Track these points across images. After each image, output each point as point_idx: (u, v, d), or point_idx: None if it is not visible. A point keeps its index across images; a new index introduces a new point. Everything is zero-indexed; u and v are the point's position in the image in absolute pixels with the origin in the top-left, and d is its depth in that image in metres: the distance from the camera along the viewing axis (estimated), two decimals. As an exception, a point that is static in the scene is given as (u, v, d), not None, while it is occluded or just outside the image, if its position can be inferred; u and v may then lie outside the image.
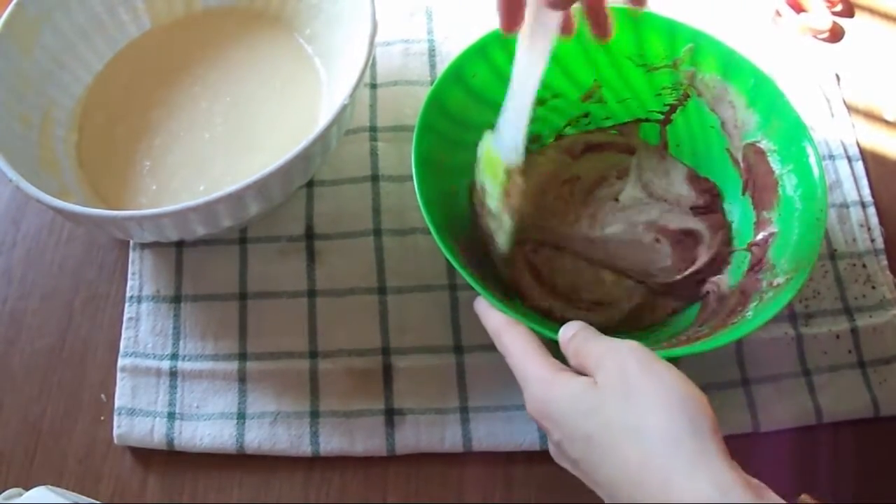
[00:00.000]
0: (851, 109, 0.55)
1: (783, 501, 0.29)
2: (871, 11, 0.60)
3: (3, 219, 0.53)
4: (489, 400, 0.46)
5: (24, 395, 0.47)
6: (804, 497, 0.29)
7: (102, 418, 0.47)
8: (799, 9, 0.58)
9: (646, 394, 0.32)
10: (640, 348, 0.34)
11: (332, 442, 0.45)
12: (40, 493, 0.39)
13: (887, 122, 0.56)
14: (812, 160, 0.43)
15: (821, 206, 0.41)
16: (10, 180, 0.43)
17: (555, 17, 0.38)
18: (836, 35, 0.58)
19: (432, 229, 0.41)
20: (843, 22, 0.59)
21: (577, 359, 0.36)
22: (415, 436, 0.45)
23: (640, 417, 0.32)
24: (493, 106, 0.49)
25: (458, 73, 0.46)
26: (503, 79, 0.48)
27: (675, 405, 0.32)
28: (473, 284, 0.40)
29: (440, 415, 0.46)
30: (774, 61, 0.47)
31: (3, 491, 0.40)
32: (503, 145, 0.43)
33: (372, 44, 0.46)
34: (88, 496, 0.42)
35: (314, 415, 0.46)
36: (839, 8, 0.59)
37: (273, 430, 0.45)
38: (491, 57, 0.47)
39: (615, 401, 0.33)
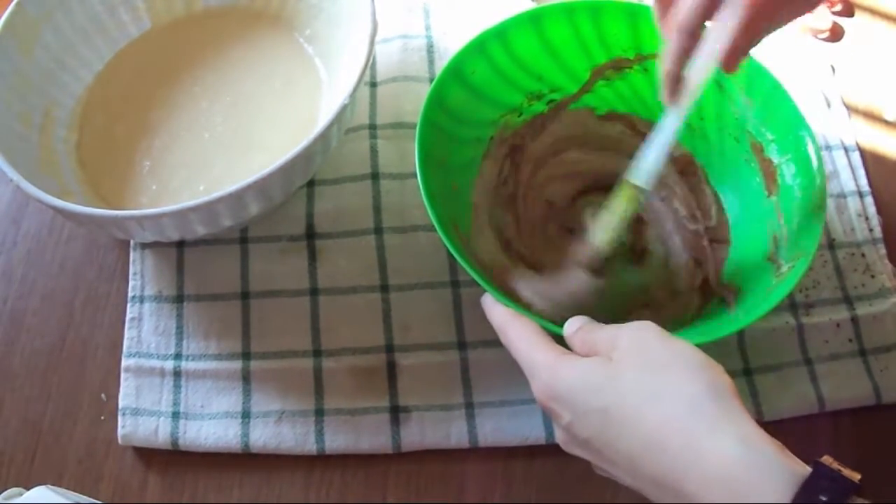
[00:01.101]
0: (851, 109, 0.56)
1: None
2: (871, 11, 0.61)
3: (4, 218, 0.53)
4: (494, 395, 0.46)
5: (24, 395, 0.47)
6: (826, 458, 0.30)
7: (102, 418, 0.46)
8: None
9: (664, 362, 0.33)
10: (654, 325, 0.35)
11: (338, 440, 0.45)
12: (40, 492, 0.39)
13: (887, 121, 0.56)
14: (810, 149, 0.43)
15: (820, 194, 0.42)
16: (11, 180, 0.43)
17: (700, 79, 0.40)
18: (835, 35, 0.59)
19: (438, 227, 0.41)
20: (842, 22, 0.60)
21: (585, 347, 0.36)
22: (420, 433, 0.45)
23: (659, 383, 0.32)
24: (491, 102, 0.49)
25: (458, 70, 0.47)
26: (501, 75, 0.49)
27: (695, 371, 0.32)
28: (479, 280, 0.40)
29: (445, 411, 0.46)
30: (770, 54, 0.47)
31: (4, 491, 0.39)
32: (640, 169, 0.43)
33: (372, 43, 0.47)
34: (88, 496, 0.42)
35: (319, 413, 0.45)
36: (839, 8, 0.60)
37: (278, 428, 0.45)
38: (489, 53, 0.48)
39: (632, 370, 0.33)
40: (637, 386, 0.32)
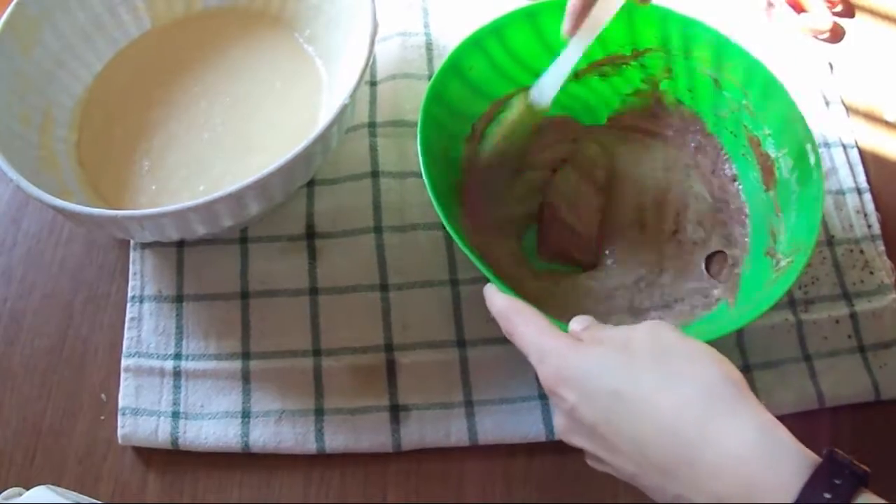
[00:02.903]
0: (851, 109, 0.56)
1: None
2: (872, 12, 0.61)
3: (4, 218, 0.53)
4: (494, 393, 0.46)
5: (24, 395, 0.47)
6: (836, 449, 0.30)
7: (102, 418, 0.46)
8: (799, 9, 0.59)
9: (679, 352, 0.33)
10: (668, 323, 0.35)
11: (338, 439, 0.45)
12: (40, 492, 0.38)
13: (886, 121, 0.56)
14: (807, 143, 0.43)
15: (817, 188, 0.42)
16: (11, 180, 0.43)
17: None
18: (836, 35, 0.59)
19: (444, 219, 0.41)
20: (843, 22, 0.60)
21: (595, 342, 0.36)
22: (420, 431, 0.45)
23: (675, 369, 0.32)
24: (489, 98, 0.49)
25: (456, 65, 0.47)
26: (499, 70, 0.49)
27: (711, 362, 0.32)
28: (485, 271, 0.40)
29: (445, 409, 0.46)
30: (768, 53, 0.47)
31: (3, 491, 0.39)
32: (540, 93, 0.47)
33: (372, 44, 0.47)
34: (88, 496, 0.42)
35: (319, 412, 0.45)
36: (839, 8, 0.60)
37: (278, 428, 0.45)
38: (487, 49, 0.48)
39: (648, 357, 0.33)
40: (653, 370, 0.32)
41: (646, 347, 0.33)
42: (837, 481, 0.28)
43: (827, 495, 0.28)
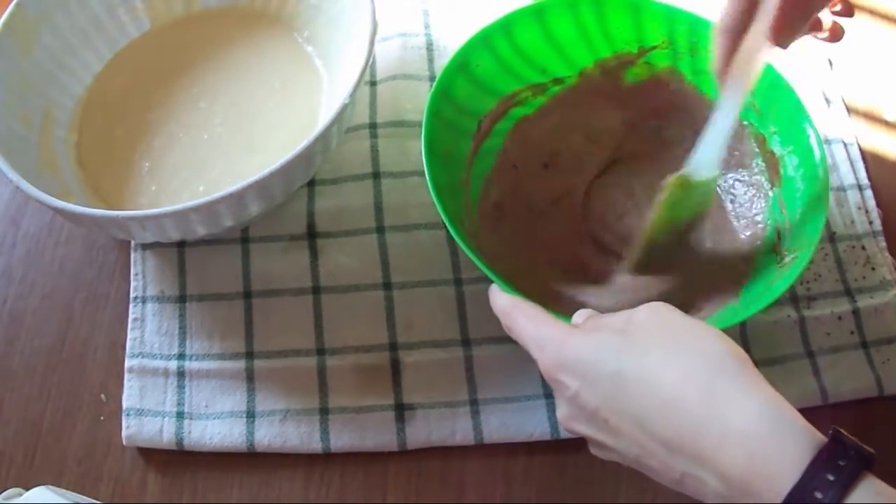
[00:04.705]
0: (851, 109, 0.56)
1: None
2: (871, 12, 0.61)
3: (3, 219, 0.53)
4: (499, 391, 0.46)
5: (24, 395, 0.47)
6: (842, 430, 0.30)
7: (102, 418, 0.46)
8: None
9: (683, 329, 0.33)
10: (669, 304, 0.35)
11: (343, 438, 0.45)
12: (40, 493, 0.38)
13: (887, 121, 0.56)
14: (812, 140, 0.44)
15: (822, 186, 0.42)
16: (11, 181, 0.42)
17: (762, 58, 0.40)
18: (835, 35, 0.59)
19: (445, 219, 0.41)
20: (842, 22, 0.60)
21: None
22: (425, 430, 0.45)
23: (679, 345, 0.32)
24: (495, 95, 0.49)
25: (464, 62, 0.47)
26: (506, 68, 0.49)
27: (714, 338, 0.32)
28: (486, 271, 0.40)
29: (450, 408, 0.45)
30: (770, 54, 0.48)
31: (3, 491, 0.39)
32: (698, 163, 0.43)
33: (372, 44, 0.47)
34: (88, 496, 0.42)
35: (324, 412, 0.45)
36: (839, 8, 0.60)
37: (283, 427, 0.45)
38: (494, 46, 0.48)
39: (651, 336, 0.33)
40: (656, 347, 0.32)
41: (648, 327, 0.33)
42: (842, 462, 0.28)
43: (830, 477, 0.27)
